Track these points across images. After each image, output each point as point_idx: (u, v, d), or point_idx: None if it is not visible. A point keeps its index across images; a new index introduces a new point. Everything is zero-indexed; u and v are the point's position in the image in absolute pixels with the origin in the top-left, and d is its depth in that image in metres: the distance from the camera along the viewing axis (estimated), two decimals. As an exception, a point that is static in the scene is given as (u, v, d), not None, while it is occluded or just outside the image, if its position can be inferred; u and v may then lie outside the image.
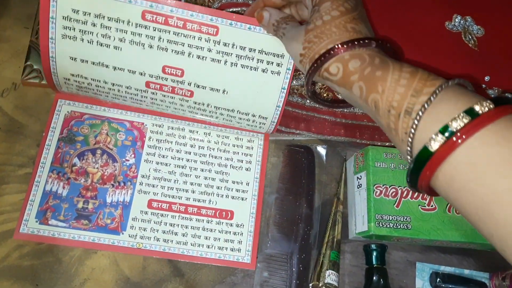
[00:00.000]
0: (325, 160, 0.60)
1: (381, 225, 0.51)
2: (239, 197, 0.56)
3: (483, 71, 0.58)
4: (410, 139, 0.34)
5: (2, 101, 0.56)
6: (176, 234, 0.54)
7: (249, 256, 0.54)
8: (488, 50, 0.60)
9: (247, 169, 0.57)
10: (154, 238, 0.53)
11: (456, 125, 0.31)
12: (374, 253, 0.55)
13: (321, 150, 0.60)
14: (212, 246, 0.54)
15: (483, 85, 0.59)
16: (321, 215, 0.57)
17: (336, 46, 0.39)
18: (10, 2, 0.61)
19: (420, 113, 0.33)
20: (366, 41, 0.39)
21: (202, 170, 0.56)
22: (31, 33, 0.59)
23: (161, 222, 0.54)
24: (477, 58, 0.59)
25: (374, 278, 0.54)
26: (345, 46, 0.39)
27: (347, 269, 0.56)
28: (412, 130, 0.33)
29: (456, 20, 0.61)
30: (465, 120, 0.31)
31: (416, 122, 0.33)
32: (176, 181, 0.55)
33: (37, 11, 0.60)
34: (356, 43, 0.39)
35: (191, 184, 0.56)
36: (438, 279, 0.55)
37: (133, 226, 0.53)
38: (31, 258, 0.51)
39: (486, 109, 0.31)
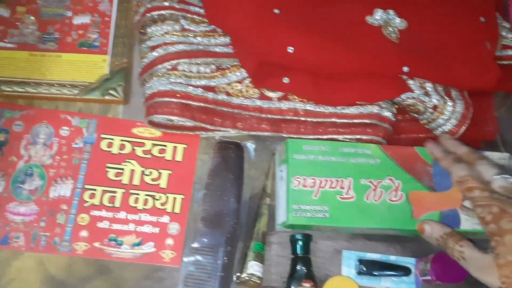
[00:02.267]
0: (255, 155, 0.62)
1: (299, 215, 0.53)
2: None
3: (402, 62, 0.59)
4: None
5: None
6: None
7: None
8: (410, 42, 0.62)
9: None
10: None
11: None
12: (299, 243, 0.56)
13: (251, 145, 0.62)
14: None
15: (404, 76, 0.60)
16: (249, 208, 0.59)
17: None
18: None
19: None
20: None
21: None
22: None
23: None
24: (396, 50, 0.60)
25: (298, 267, 0.55)
26: None
27: (274, 260, 0.57)
28: None
29: (377, 14, 0.62)
30: None
31: None
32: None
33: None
34: None
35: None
36: (362, 266, 0.57)
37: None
38: (-42, 260, 0.52)
39: None
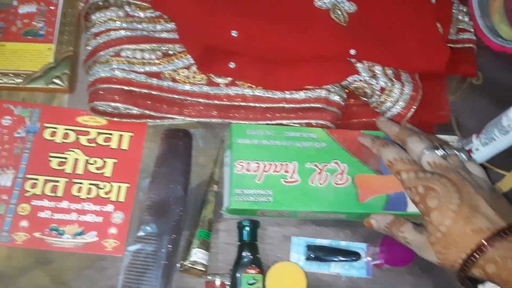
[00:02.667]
0: (204, 142, 0.61)
1: (241, 199, 0.52)
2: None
3: (349, 45, 0.58)
4: None
5: None
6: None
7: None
8: (358, 25, 0.61)
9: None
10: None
11: None
12: (246, 229, 0.55)
13: (199, 132, 0.61)
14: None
15: (352, 59, 0.59)
16: (196, 196, 0.58)
17: (467, 257, 0.44)
18: None
19: None
20: (487, 245, 0.43)
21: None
22: None
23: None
24: (343, 33, 0.59)
25: (244, 253, 0.54)
26: (472, 258, 0.43)
27: (221, 247, 0.56)
28: None
29: (326, -3, 0.62)
30: None
31: None
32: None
33: None
34: (479, 252, 0.43)
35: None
36: (310, 252, 0.56)
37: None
38: None
39: None
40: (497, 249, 0.43)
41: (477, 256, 0.43)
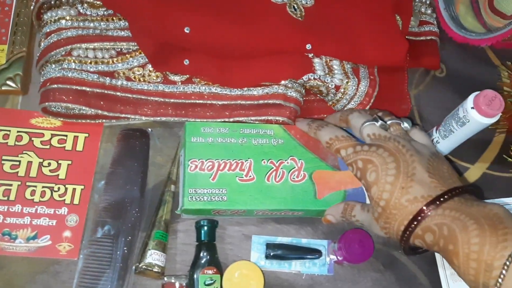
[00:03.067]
0: (161, 141, 0.60)
1: (195, 199, 0.51)
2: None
3: (304, 40, 0.58)
4: None
5: None
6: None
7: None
8: (315, 19, 0.60)
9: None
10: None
11: None
12: (204, 229, 0.54)
13: (157, 131, 0.60)
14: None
15: (310, 54, 0.58)
16: (153, 196, 0.57)
17: (405, 228, 0.44)
18: None
19: None
20: (422, 214, 0.42)
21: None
22: None
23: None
24: (299, 28, 0.58)
25: (201, 253, 0.53)
26: (410, 229, 0.43)
27: (180, 248, 0.55)
28: None
29: (282, -8, 0.61)
30: None
31: None
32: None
33: None
34: (415, 223, 0.42)
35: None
36: (269, 250, 0.55)
37: None
38: None
39: None
40: (433, 217, 0.42)
41: (413, 227, 0.43)
